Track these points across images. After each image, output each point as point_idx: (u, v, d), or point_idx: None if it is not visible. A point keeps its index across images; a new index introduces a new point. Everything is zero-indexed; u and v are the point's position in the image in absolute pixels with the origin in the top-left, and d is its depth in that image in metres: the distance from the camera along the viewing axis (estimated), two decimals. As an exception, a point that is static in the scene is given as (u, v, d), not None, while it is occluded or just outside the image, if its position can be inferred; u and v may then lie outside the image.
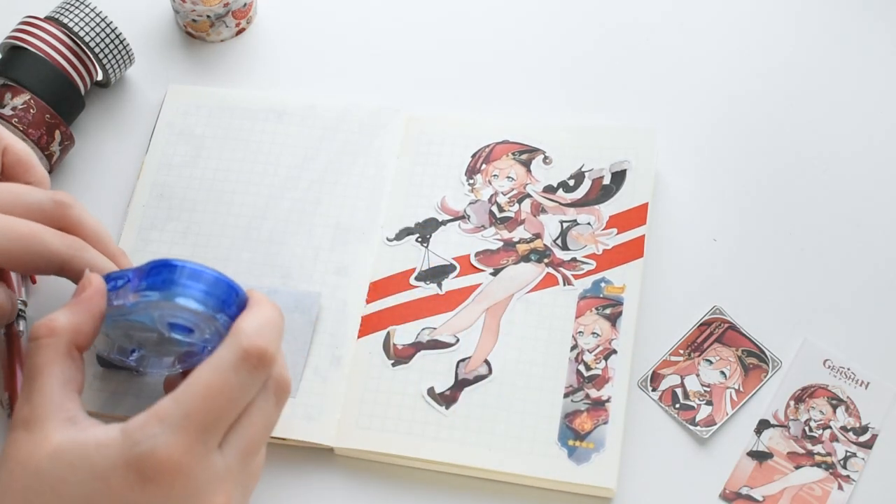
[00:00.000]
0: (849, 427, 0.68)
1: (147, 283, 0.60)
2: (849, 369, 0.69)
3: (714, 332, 0.71)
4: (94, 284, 0.61)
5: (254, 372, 0.56)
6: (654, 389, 0.69)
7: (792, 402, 0.68)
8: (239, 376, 0.56)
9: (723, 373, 0.70)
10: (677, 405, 0.69)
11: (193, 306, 0.58)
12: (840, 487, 0.66)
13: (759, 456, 0.67)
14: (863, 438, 0.67)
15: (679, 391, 0.69)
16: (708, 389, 0.69)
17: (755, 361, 0.70)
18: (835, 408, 0.68)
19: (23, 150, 0.68)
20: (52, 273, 0.65)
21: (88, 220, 0.66)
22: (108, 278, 0.62)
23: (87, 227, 0.66)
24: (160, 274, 0.59)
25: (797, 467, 0.67)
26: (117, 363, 0.66)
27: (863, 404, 0.68)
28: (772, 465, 0.67)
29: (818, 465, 0.67)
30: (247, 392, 0.56)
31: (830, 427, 0.68)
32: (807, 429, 0.68)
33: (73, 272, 0.65)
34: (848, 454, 0.67)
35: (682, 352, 0.70)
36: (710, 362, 0.70)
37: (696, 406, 0.69)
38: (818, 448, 0.67)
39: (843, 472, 0.66)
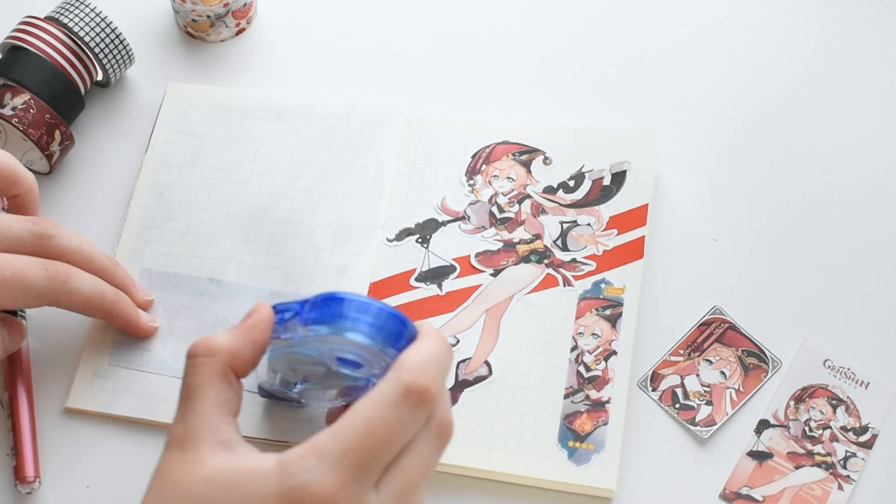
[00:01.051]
0: (849, 427, 0.68)
1: (316, 315, 0.58)
2: (849, 369, 0.69)
3: (714, 332, 0.71)
4: (261, 313, 0.60)
5: (414, 410, 0.53)
6: (654, 389, 0.69)
7: (792, 402, 0.68)
8: (399, 414, 0.53)
9: (723, 373, 0.70)
10: (677, 405, 0.69)
11: (363, 341, 0.57)
12: (840, 487, 0.66)
13: (759, 456, 0.67)
14: (863, 438, 0.67)
15: (679, 391, 0.69)
16: (708, 389, 0.69)
17: (755, 361, 0.70)
18: (835, 408, 0.68)
19: (6, 163, 0.68)
20: (43, 305, 0.65)
21: (71, 245, 0.66)
22: (277, 310, 0.60)
23: (72, 254, 0.66)
24: (329, 307, 0.58)
25: (797, 467, 0.67)
26: (279, 395, 0.65)
27: (863, 404, 0.68)
28: (772, 465, 0.67)
29: (818, 465, 0.67)
30: (406, 431, 0.54)
31: (830, 427, 0.68)
32: (807, 429, 0.68)
33: (61, 305, 0.65)
34: (848, 454, 0.67)
35: (682, 352, 0.70)
36: (710, 362, 0.70)
37: (696, 406, 0.69)
38: (818, 448, 0.67)
39: (844, 472, 0.66)
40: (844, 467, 0.66)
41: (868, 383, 0.69)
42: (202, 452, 0.54)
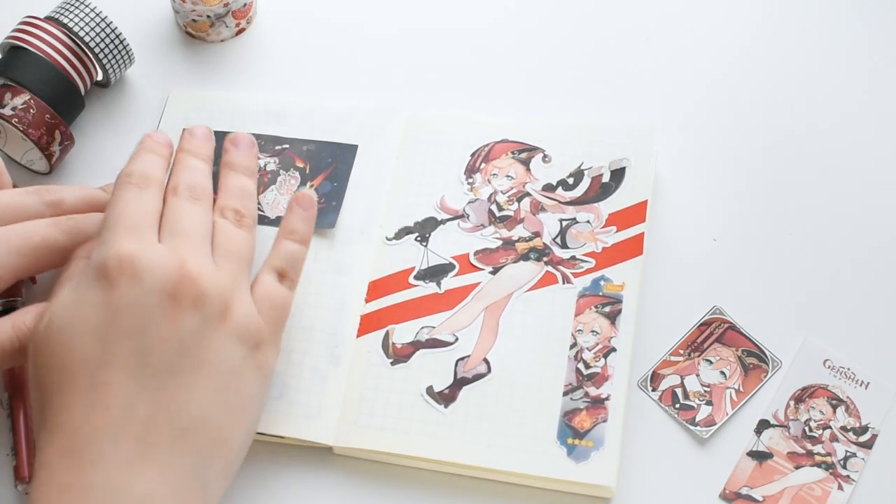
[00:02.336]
0: (849, 427, 0.67)
1: None
2: (849, 369, 0.69)
3: (714, 332, 0.71)
4: None
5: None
6: (654, 389, 0.69)
7: (792, 402, 0.68)
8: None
9: (723, 373, 0.70)
10: (677, 405, 0.69)
11: None
12: (840, 487, 0.66)
13: (759, 456, 0.67)
14: (863, 438, 0.67)
15: (679, 391, 0.69)
16: (708, 389, 0.69)
17: (755, 361, 0.70)
18: (835, 408, 0.68)
19: None
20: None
21: (77, 201, 0.70)
22: None
23: (78, 210, 0.69)
24: None
25: (797, 467, 0.66)
26: None
27: (863, 404, 0.68)
28: (772, 465, 0.67)
29: (818, 465, 0.66)
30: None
31: (830, 427, 0.68)
32: (807, 429, 0.67)
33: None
34: (848, 454, 0.67)
35: (682, 352, 0.70)
36: (710, 362, 0.70)
37: (696, 406, 0.69)
38: (818, 448, 0.67)
39: (843, 472, 0.66)
40: (844, 467, 0.66)
41: (868, 383, 0.69)
42: None
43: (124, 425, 0.56)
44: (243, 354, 0.61)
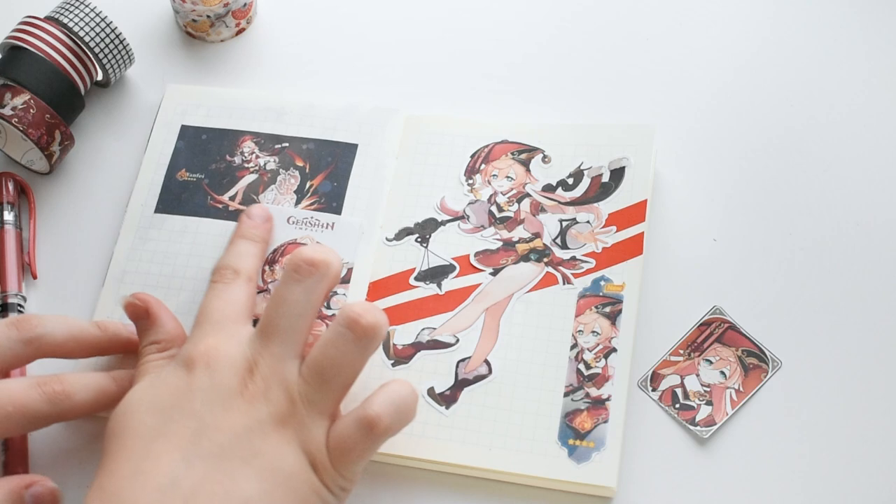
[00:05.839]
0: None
1: None
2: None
3: (714, 332, 0.71)
4: None
5: (301, 278, 0.64)
6: (654, 389, 0.69)
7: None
8: (289, 285, 0.64)
9: (723, 373, 0.70)
10: (677, 405, 0.69)
11: None
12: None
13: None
14: None
15: (679, 391, 0.69)
16: (708, 389, 0.69)
17: (755, 361, 0.70)
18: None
19: None
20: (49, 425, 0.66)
21: (59, 337, 0.66)
22: None
23: (64, 345, 0.66)
24: None
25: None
26: None
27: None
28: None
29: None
30: (300, 297, 0.64)
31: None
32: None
33: (67, 419, 0.66)
34: None
35: (682, 352, 0.70)
36: (710, 362, 0.70)
37: (696, 406, 0.69)
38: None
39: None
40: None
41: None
42: None
43: (164, 497, 0.57)
44: (302, 465, 0.60)
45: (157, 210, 0.76)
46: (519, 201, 0.75)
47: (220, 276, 0.68)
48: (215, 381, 0.61)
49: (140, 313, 0.67)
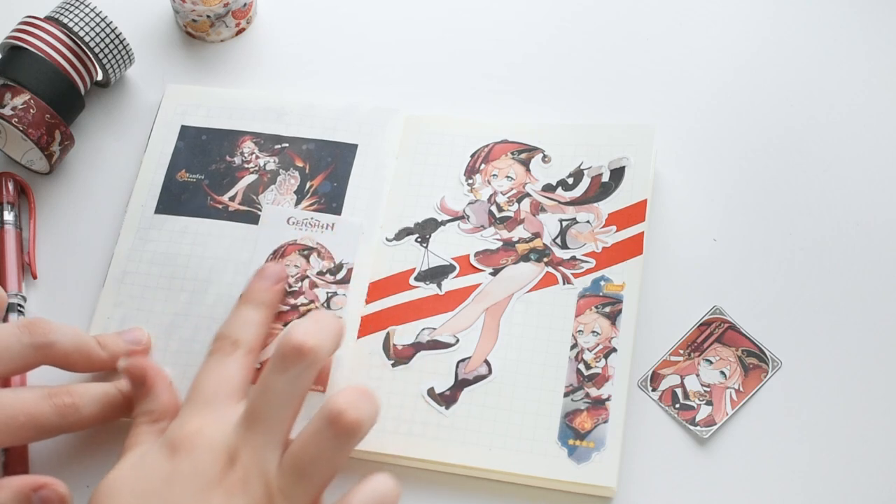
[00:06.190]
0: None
1: None
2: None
3: (714, 332, 0.71)
4: None
5: (287, 366, 0.60)
6: (654, 389, 0.69)
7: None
8: (276, 376, 0.61)
9: (723, 373, 0.70)
10: (677, 405, 0.69)
11: None
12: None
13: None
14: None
15: (679, 391, 0.69)
16: (708, 389, 0.69)
17: (755, 361, 0.70)
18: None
19: None
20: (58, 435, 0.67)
21: (69, 346, 0.67)
22: None
23: (71, 355, 0.67)
24: None
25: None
26: None
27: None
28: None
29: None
30: (284, 388, 0.61)
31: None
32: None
33: (74, 430, 0.67)
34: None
35: (681, 352, 0.70)
36: (710, 362, 0.70)
37: (696, 406, 0.69)
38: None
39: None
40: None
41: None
42: None
43: None
44: None
45: (158, 211, 0.76)
46: (519, 201, 0.75)
47: (219, 346, 0.66)
48: (196, 468, 0.60)
49: (137, 380, 0.66)
